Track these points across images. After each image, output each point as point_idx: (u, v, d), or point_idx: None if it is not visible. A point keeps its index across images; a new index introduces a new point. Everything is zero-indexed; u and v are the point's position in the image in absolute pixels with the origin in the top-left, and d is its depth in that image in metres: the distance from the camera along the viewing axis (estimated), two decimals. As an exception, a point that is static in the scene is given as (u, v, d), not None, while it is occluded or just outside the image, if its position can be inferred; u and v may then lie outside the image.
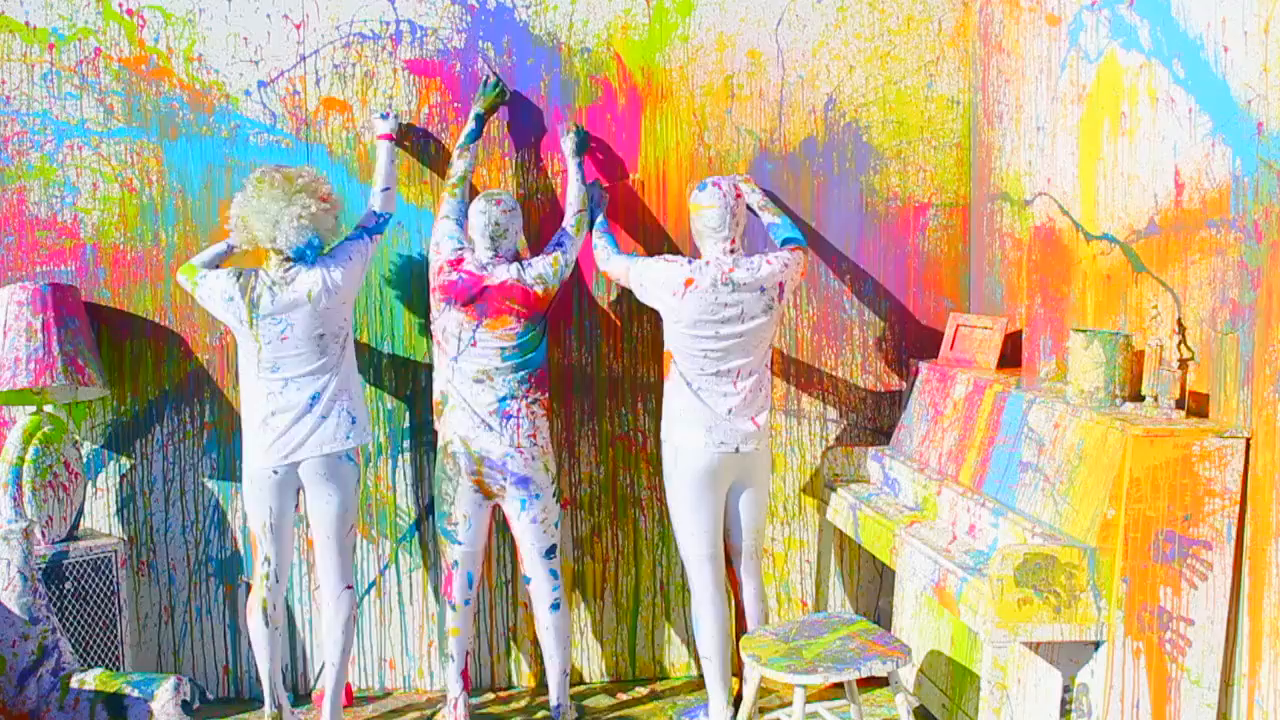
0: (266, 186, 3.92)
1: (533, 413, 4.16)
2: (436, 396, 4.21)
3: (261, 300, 3.95)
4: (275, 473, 4.00)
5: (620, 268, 4.19)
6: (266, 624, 4.09)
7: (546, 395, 4.22)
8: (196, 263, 4.10)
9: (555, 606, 4.25)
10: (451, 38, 4.51)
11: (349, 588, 4.15)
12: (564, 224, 4.29)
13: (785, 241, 4.18)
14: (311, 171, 4.02)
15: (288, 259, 3.97)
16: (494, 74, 4.46)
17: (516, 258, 4.24)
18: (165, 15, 4.42)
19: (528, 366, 4.15)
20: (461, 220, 4.26)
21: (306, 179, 3.97)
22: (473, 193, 4.45)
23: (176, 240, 4.47)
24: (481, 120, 4.40)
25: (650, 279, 4.06)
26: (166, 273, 4.47)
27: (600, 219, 4.40)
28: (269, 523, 4.04)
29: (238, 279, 3.97)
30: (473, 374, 4.12)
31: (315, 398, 3.98)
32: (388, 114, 4.36)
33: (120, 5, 4.40)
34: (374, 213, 4.20)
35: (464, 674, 4.27)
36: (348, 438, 4.02)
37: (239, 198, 3.98)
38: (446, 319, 4.14)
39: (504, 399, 4.12)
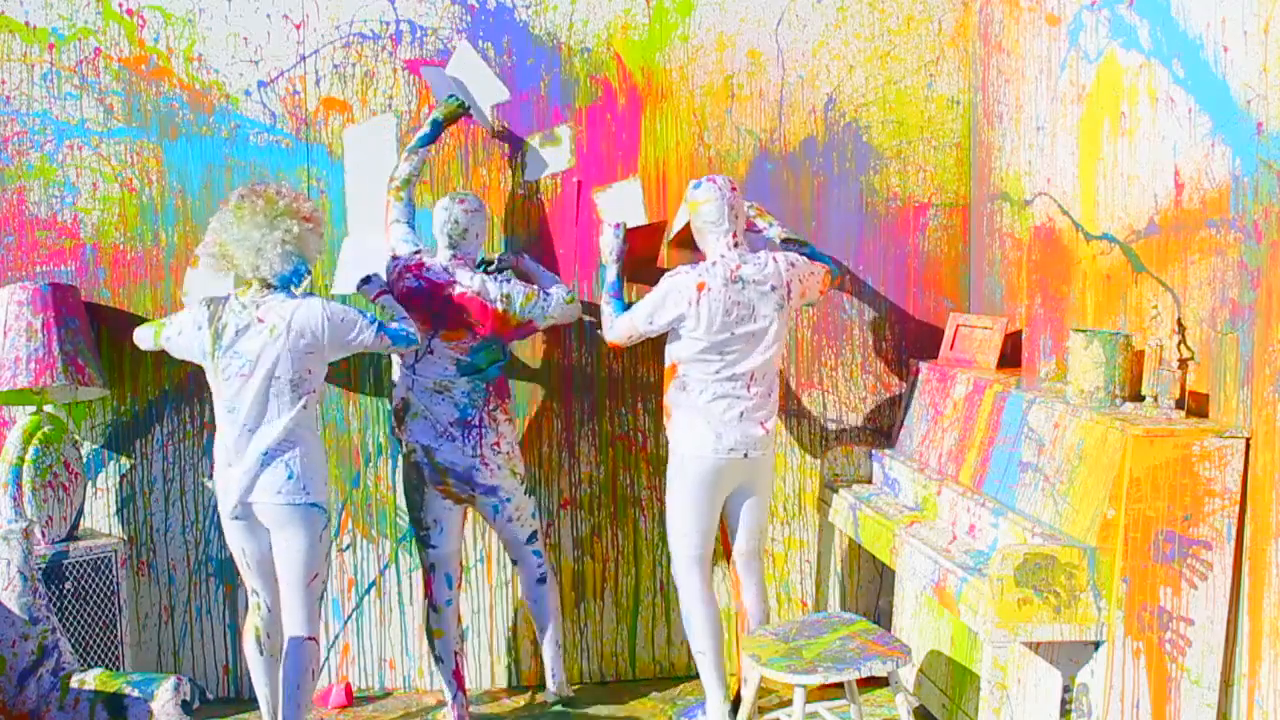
0: (248, 213, 3.67)
1: (494, 419, 4.14)
2: (397, 402, 4.18)
3: (226, 330, 3.73)
4: (238, 518, 3.79)
5: (626, 323, 4.05)
6: (261, 652, 3.93)
7: (507, 400, 4.23)
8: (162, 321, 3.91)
9: (542, 579, 4.30)
10: (451, 38, 4.51)
11: (312, 639, 3.82)
12: (569, 285, 4.21)
13: (813, 259, 4.19)
14: (290, 190, 3.80)
15: (269, 286, 3.73)
16: (456, 99, 4.40)
17: (483, 264, 4.22)
18: (165, 15, 4.42)
19: (485, 378, 4.13)
20: (412, 222, 4.26)
21: (287, 200, 3.73)
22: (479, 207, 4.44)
23: (176, 240, 4.47)
24: (438, 126, 4.33)
25: (663, 300, 3.97)
26: (166, 273, 4.47)
27: (613, 278, 4.20)
28: (247, 563, 3.86)
29: (208, 305, 3.79)
30: (431, 384, 4.10)
31: (267, 453, 3.72)
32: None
33: (120, 5, 4.40)
34: (404, 321, 3.91)
35: (457, 675, 4.24)
36: (278, 492, 3.72)
37: (215, 225, 3.74)
38: None
39: (465, 409, 4.10)
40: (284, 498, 3.73)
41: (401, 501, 4.60)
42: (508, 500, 4.20)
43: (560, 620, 4.35)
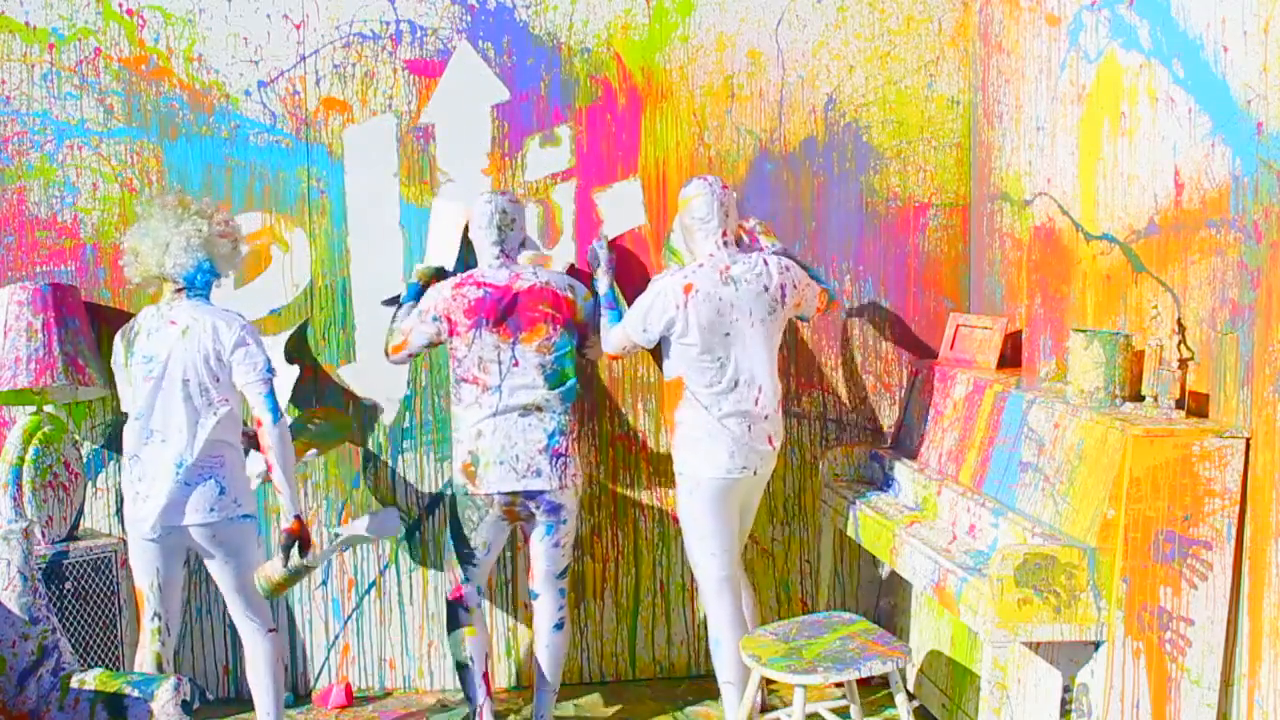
0: (157, 209, 3.66)
1: (576, 448, 4.07)
2: (463, 460, 3.98)
3: (138, 336, 3.66)
4: (155, 540, 3.65)
5: (619, 334, 3.99)
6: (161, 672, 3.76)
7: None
8: None
9: (559, 626, 4.16)
10: (451, 38, 4.51)
11: (272, 630, 3.81)
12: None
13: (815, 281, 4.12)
14: (214, 203, 3.80)
15: (179, 289, 3.66)
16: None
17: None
18: (165, 15, 4.42)
19: (570, 396, 4.02)
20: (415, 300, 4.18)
21: (203, 206, 3.71)
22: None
23: (176, 240, 4.46)
24: (417, 289, 4.18)
25: (650, 305, 3.88)
26: (166, 273, 4.47)
27: (605, 289, 4.15)
28: (158, 585, 3.70)
29: (127, 323, 3.73)
30: (520, 407, 3.95)
31: (189, 467, 3.59)
32: None
33: (120, 5, 4.40)
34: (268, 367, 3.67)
35: (485, 678, 4.12)
36: (210, 510, 3.61)
37: (130, 229, 3.73)
38: (480, 348, 3.96)
39: (553, 435, 3.98)
40: (218, 514, 3.61)
41: (402, 502, 4.60)
42: (564, 522, 4.07)
43: (560, 672, 4.18)
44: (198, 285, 3.68)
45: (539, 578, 4.15)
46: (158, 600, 3.72)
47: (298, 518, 3.60)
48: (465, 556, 4.08)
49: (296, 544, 3.60)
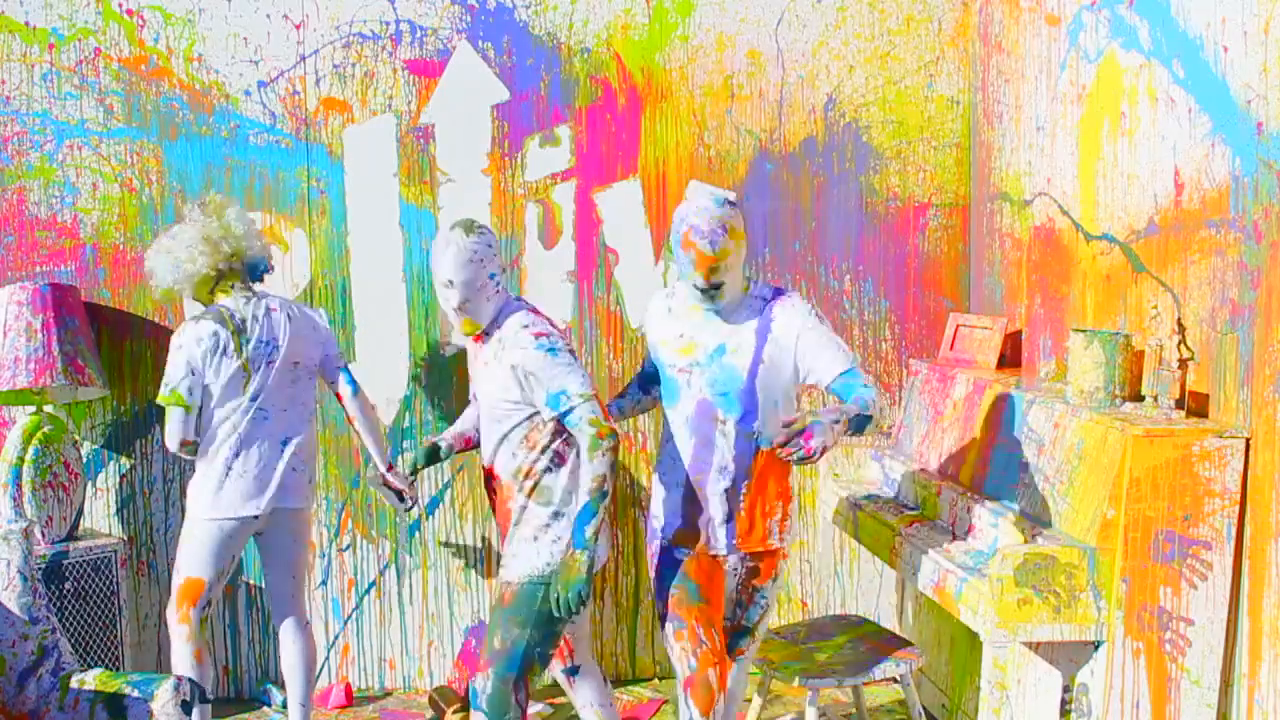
0: (197, 215, 3.78)
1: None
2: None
3: (246, 324, 3.74)
4: (246, 522, 3.74)
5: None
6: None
7: None
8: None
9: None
10: (451, 38, 4.51)
11: (308, 623, 3.97)
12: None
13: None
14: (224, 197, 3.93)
15: (245, 282, 3.78)
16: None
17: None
18: (165, 15, 4.42)
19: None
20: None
21: (225, 201, 3.86)
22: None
23: (176, 240, 4.47)
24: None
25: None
26: (166, 273, 4.47)
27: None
28: (227, 569, 3.77)
29: (200, 320, 3.70)
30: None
31: (290, 445, 3.79)
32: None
33: (120, 5, 4.40)
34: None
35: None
36: (300, 495, 3.83)
37: (170, 241, 3.76)
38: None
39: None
40: (307, 500, 3.86)
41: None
42: None
43: None
44: (260, 271, 3.85)
45: (579, 648, 3.55)
46: (219, 586, 3.80)
47: (390, 465, 3.90)
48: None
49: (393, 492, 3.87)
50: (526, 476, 3.22)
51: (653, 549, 3.35)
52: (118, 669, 4.30)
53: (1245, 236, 3.11)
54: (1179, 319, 3.38)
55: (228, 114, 4.46)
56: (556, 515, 3.25)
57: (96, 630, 4.27)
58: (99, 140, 4.43)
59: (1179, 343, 3.34)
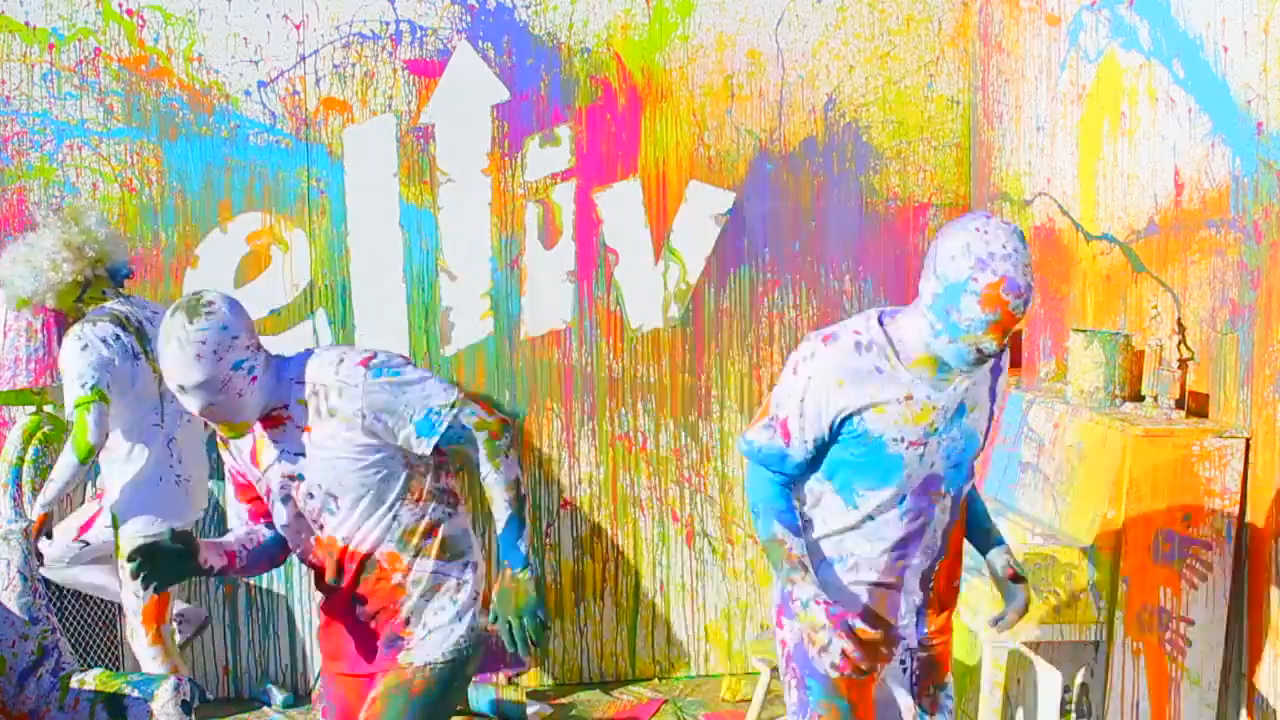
0: (55, 223, 3.71)
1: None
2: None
3: (145, 327, 3.67)
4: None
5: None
6: None
7: None
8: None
9: None
10: (451, 38, 4.51)
11: None
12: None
13: None
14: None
15: (113, 287, 3.75)
16: None
17: None
18: (165, 15, 4.42)
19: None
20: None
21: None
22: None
23: (176, 240, 4.47)
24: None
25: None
26: (166, 273, 4.46)
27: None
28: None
29: (97, 321, 3.64)
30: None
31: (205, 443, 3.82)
32: None
33: (120, 5, 4.40)
34: None
35: None
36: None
37: (46, 241, 3.68)
38: None
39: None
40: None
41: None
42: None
43: None
44: (123, 276, 3.78)
45: None
46: (180, 595, 3.82)
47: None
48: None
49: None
50: (425, 535, 2.59)
51: (793, 632, 2.59)
52: (118, 669, 4.30)
53: (1245, 236, 3.11)
54: (1179, 319, 3.38)
55: (228, 114, 4.46)
56: (470, 567, 2.67)
57: (96, 630, 4.27)
58: (99, 140, 4.43)
59: (1179, 343, 3.34)
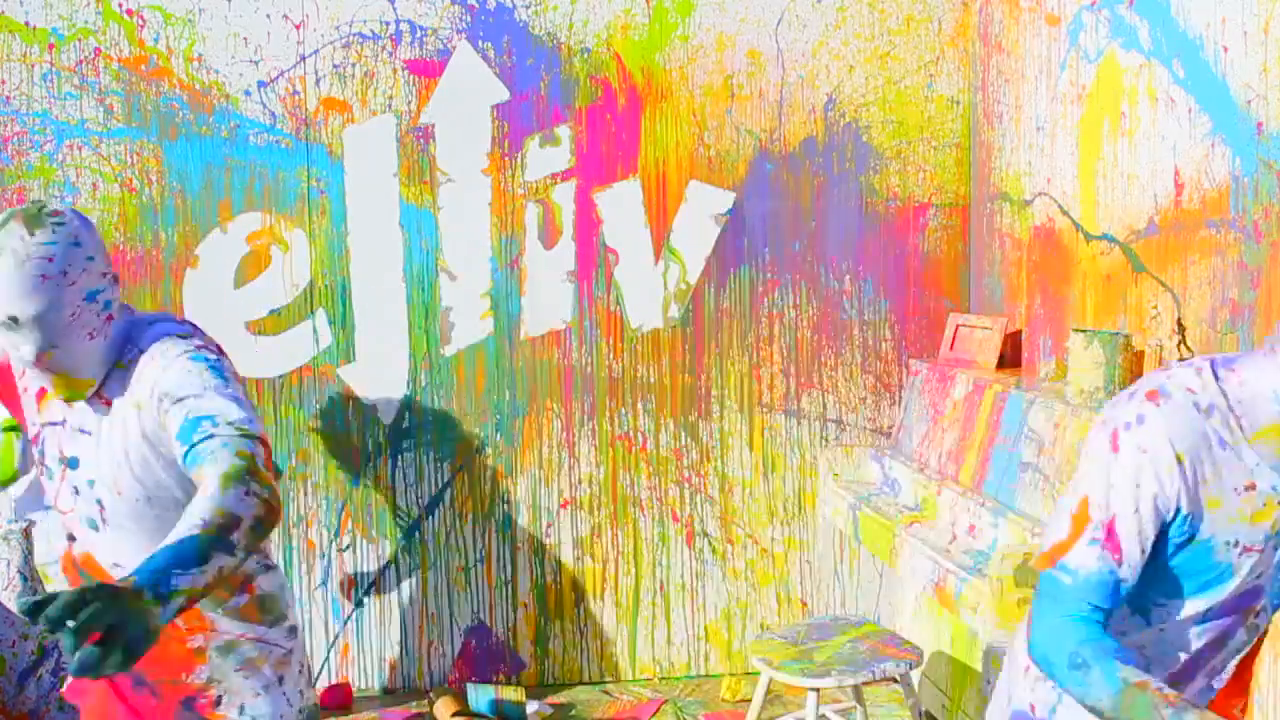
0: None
1: None
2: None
3: None
4: None
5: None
6: None
7: None
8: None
9: None
10: (451, 38, 4.51)
11: None
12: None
13: None
14: None
15: None
16: None
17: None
18: (165, 15, 4.42)
19: None
20: None
21: None
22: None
23: (176, 240, 4.47)
24: None
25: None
26: (166, 273, 4.47)
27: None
28: None
29: None
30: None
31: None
32: None
33: (120, 5, 4.40)
34: None
35: None
36: None
37: None
38: None
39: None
40: None
41: (402, 502, 4.60)
42: None
43: None
44: None
45: None
46: None
47: None
48: None
49: None
50: (239, 591, 2.09)
51: None
52: (118, 669, 4.30)
53: (1245, 236, 3.11)
54: (1179, 319, 3.38)
55: (228, 114, 4.46)
56: (294, 631, 2.19)
57: (96, 630, 4.27)
58: (99, 140, 4.43)
59: (1179, 343, 3.34)
